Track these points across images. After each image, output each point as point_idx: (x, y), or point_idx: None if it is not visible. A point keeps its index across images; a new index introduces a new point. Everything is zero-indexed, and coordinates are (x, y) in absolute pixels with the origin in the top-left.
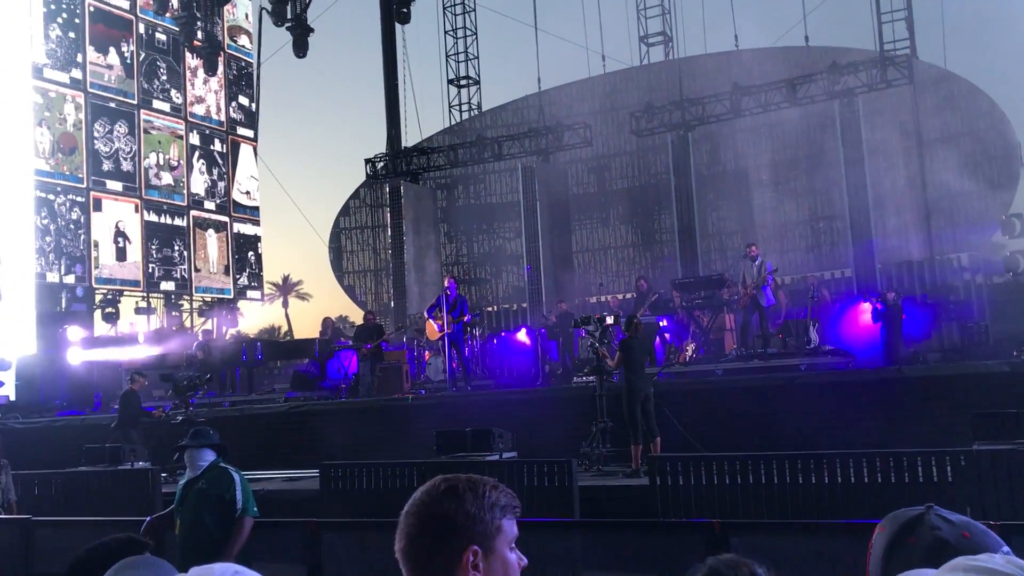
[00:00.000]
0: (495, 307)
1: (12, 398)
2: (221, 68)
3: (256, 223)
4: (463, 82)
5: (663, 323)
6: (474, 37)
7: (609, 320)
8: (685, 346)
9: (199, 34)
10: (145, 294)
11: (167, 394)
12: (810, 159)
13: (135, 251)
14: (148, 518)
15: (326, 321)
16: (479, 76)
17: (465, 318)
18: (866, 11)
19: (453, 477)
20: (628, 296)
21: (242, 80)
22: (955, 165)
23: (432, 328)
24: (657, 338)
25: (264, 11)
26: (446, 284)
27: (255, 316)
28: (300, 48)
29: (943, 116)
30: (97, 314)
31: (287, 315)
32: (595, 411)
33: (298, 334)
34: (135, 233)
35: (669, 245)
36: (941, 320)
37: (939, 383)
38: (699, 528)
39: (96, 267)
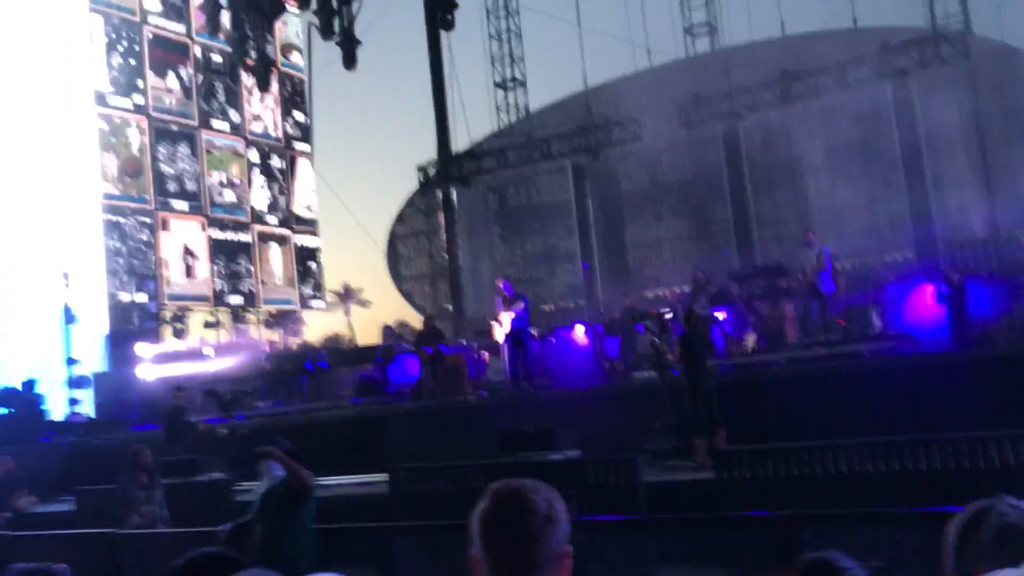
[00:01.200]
0: (551, 306)
1: (91, 415)
2: (276, 85)
3: (316, 234)
4: (509, 84)
5: (722, 315)
6: (518, 39)
7: (667, 314)
8: (745, 337)
9: (251, 53)
10: (213, 309)
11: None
12: (864, 142)
13: (203, 267)
14: (227, 527)
15: (386, 328)
16: (525, 77)
17: (516, 311)
18: None
19: (538, 484)
20: (685, 289)
21: (296, 96)
22: (1016, 139)
23: (496, 331)
24: (717, 329)
25: (313, 27)
26: (500, 285)
27: (318, 325)
28: (349, 61)
29: (1002, 90)
30: (167, 331)
31: (349, 322)
32: (657, 406)
33: (361, 341)
34: (202, 250)
35: (724, 236)
36: (1010, 299)
37: (1011, 364)
38: (770, 521)
39: (166, 285)
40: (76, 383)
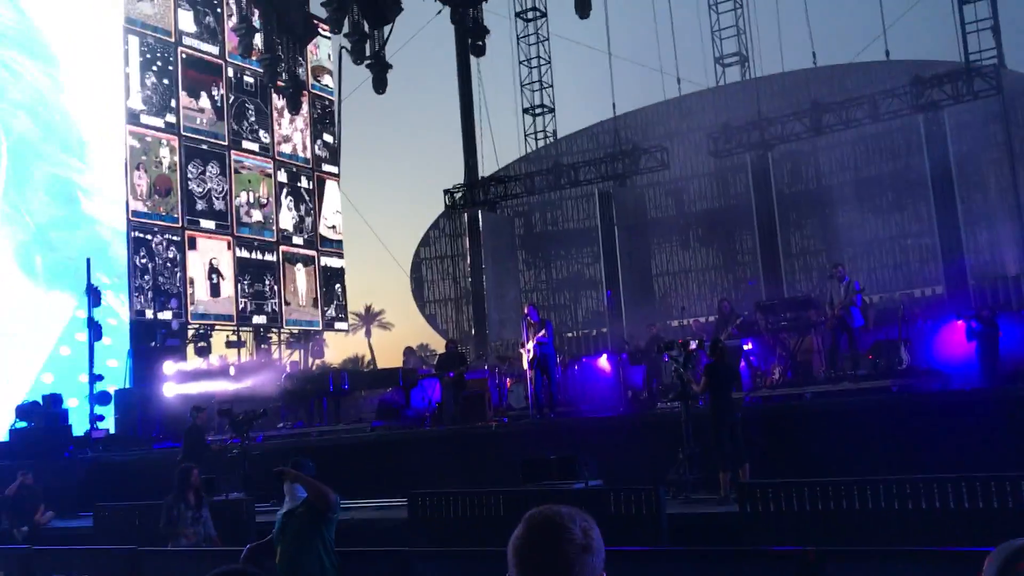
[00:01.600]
0: (575, 333)
1: (112, 431)
2: (306, 107)
3: (340, 256)
4: (538, 110)
5: (748, 346)
6: (548, 66)
7: (692, 344)
8: (772, 369)
9: (282, 75)
10: (235, 327)
11: (226, 429)
12: (895, 175)
13: (228, 287)
14: (247, 546)
15: (408, 350)
16: (554, 104)
17: (539, 337)
18: (949, 22)
19: (574, 511)
20: (710, 319)
21: (326, 118)
22: None
23: (525, 358)
24: (742, 361)
25: (344, 50)
26: (526, 311)
27: (340, 346)
28: (379, 84)
29: None
30: (190, 348)
31: (370, 345)
32: (681, 437)
33: (381, 363)
34: (228, 269)
35: (751, 266)
36: None
37: None
38: (793, 556)
39: (192, 303)
40: (99, 399)
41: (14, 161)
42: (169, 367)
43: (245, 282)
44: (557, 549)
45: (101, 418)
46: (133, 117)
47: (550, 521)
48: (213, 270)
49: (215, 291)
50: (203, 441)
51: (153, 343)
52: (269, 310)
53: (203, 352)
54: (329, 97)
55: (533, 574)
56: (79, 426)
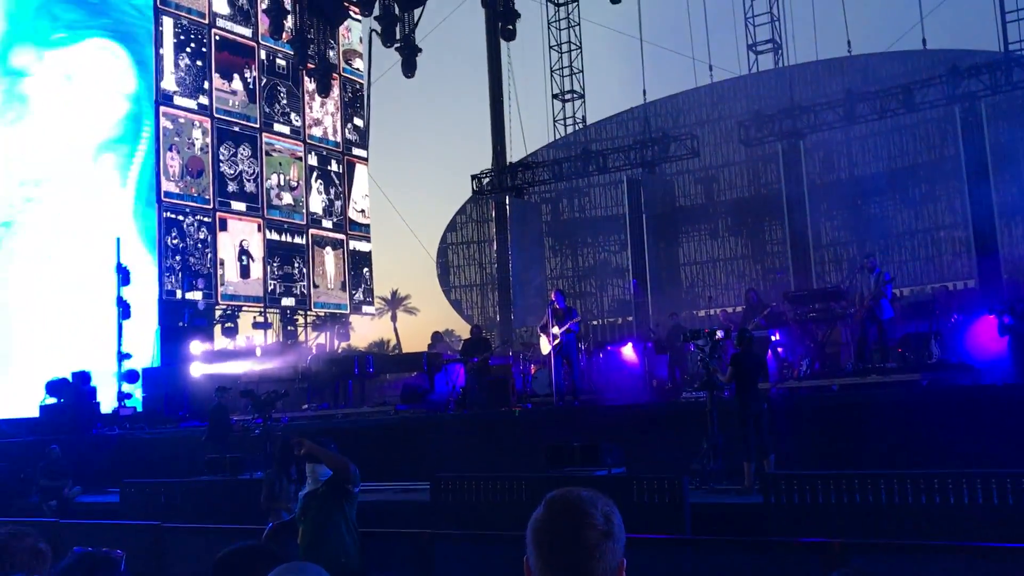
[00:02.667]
0: (600, 321)
1: (139, 409)
2: (337, 91)
3: (368, 240)
4: (568, 96)
5: (776, 337)
6: (579, 51)
7: (719, 334)
8: (799, 361)
9: (313, 57)
10: (263, 309)
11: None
12: (929, 166)
13: (258, 268)
14: (270, 525)
15: (435, 335)
16: (584, 90)
17: (571, 324)
18: (988, 11)
19: (596, 496)
20: (738, 309)
21: (356, 102)
22: None
23: (544, 343)
24: (770, 352)
25: (374, 32)
26: (552, 297)
27: (365, 330)
28: (409, 68)
29: None
30: (217, 329)
31: (396, 329)
32: (705, 427)
33: (406, 348)
34: (258, 251)
35: (781, 256)
36: None
37: None
38: (818, 548)
39: (222, 284)
40: (127, 377)
41: None
42: (196, 347)
43: (274, 264)
44: (578, 534)
45: (129, 396)
46: (166, 98)
47: (572, 505)
48: (243, 252)
49: (245, 272)
50: (228, 421)
51: (181, 323)
52: (298, 292)
53: (230, 333)
54: (360, 81)
55: (553, 558)
56: (107, 404)
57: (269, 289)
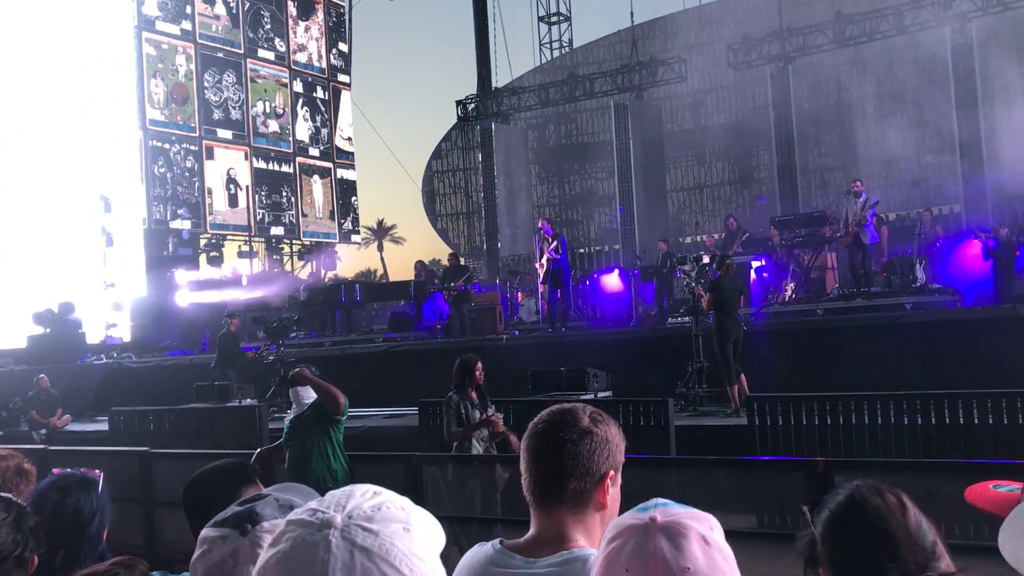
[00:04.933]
0: (587, 248)
1: (126, 339)
2: (321, 15)
3: (353, 168)
4: (554, 19)
5: (761, 262)
6: None
7: (705, 259)
8: (784, 285)
9: None
10: (248, 238)
11: (260, 336)
12: (917, 90)
13: (245, 197)
14: (258, 450)
15: (419, 264)
16: (570, 12)
17: (550, 252)
18: None
19: (588, 406)
20: (722, 235)
21: (341, 27)
22: None
23: (541, 273)
24: (754, 276)
25: None
26: (539, 226)
27: (351, 260)
28: None
29: None
30: (202, 258)
31: (382, 259)
32: (691, 352)
33: (393, 277)
34: (245, 180)
35: (768, 182)
36: None
37: None
38: (802, 466)
39: (210, 213)
40: (113, 307)
41: None
42: (181, 276)
43: (262, 193)
44: (559, 432)
45: (114, 325)
46: (148, 23)
47: (563, 410)
48: (231, 180)
49: (233, 202)
50: (238, 348)
51: (165, 252)
52: (286, 221)
53: (215, 262)
54: (343, 5)
55: (536, 461)
56: (93, 333)
57: (257, 218)
